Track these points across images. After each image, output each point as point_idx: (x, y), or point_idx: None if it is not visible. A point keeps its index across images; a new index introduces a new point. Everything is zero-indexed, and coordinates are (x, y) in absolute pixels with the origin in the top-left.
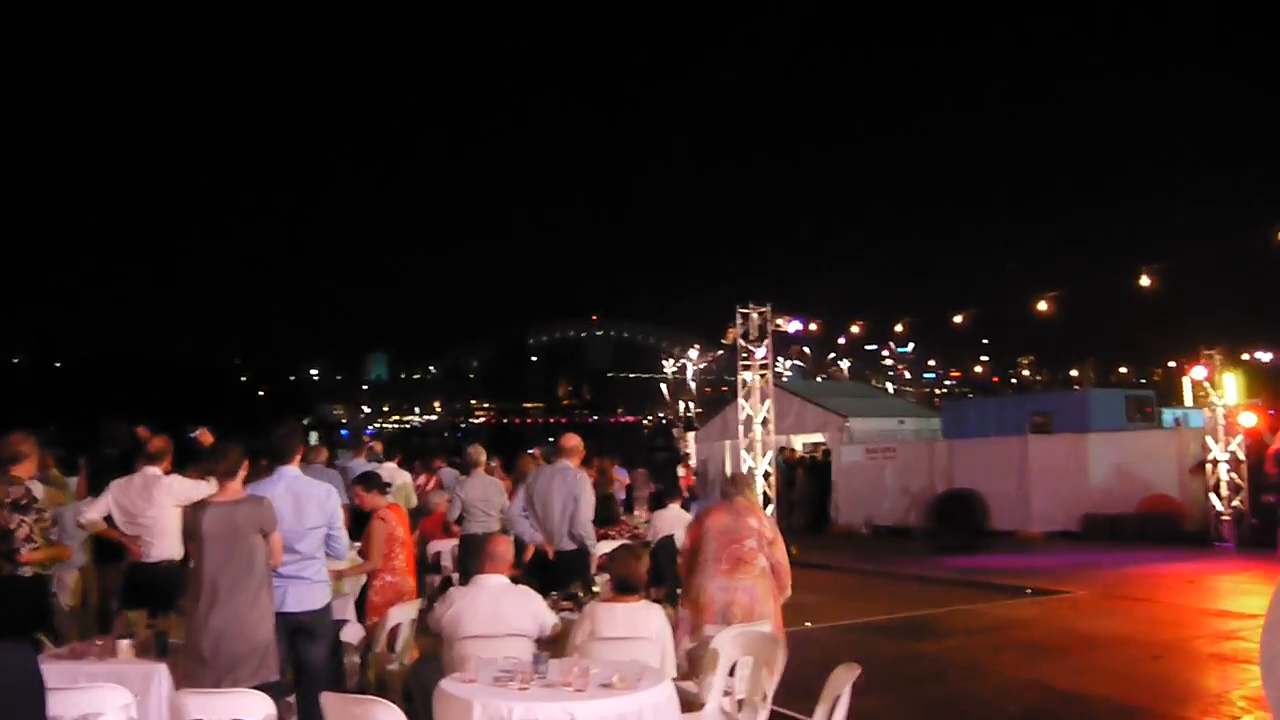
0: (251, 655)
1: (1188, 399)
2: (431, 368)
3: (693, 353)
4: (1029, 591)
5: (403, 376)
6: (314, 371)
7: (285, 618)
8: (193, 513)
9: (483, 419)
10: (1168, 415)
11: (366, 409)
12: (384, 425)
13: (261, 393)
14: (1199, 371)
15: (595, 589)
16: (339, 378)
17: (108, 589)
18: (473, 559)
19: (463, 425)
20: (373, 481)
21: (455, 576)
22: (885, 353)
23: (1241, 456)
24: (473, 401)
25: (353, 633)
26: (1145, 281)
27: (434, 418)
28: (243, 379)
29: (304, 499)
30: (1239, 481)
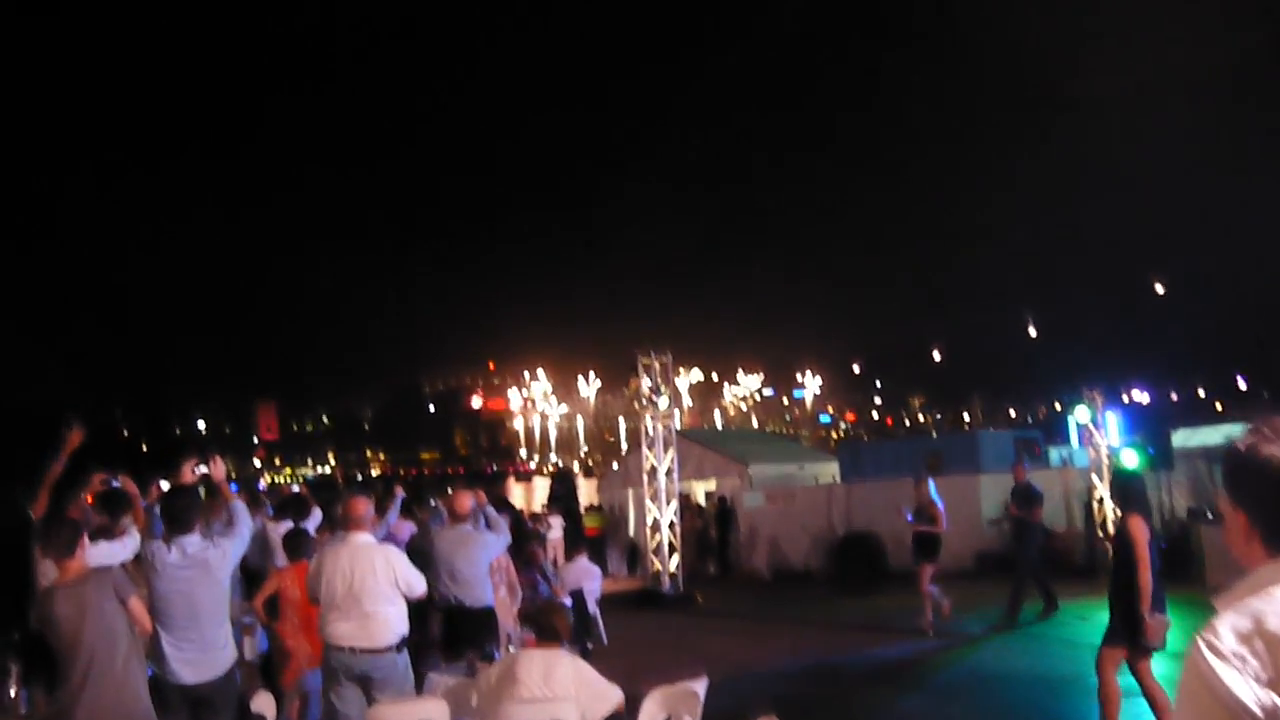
0: None
1: (1073, 439)
2: (324, 418)
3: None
4: (930, 633)
5: (294, 428)
6: (200, 424)
7: (184, 690)
8: (41, 600)
9: (378, 470)
10: (1055, 454)
11: (258, 462)
12: (275, 479)
13: (145, 447)
14: (1083, 412)
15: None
16: (227, 430)
17: None
18: None
19: (358, 477)
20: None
21: None
22: (785, 399)
23: None
24: (367, 452)
25: (263, 702)
26: (1031, 332)
27: (327, 470)
28: (125, 433)
29: (211, 566)
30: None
